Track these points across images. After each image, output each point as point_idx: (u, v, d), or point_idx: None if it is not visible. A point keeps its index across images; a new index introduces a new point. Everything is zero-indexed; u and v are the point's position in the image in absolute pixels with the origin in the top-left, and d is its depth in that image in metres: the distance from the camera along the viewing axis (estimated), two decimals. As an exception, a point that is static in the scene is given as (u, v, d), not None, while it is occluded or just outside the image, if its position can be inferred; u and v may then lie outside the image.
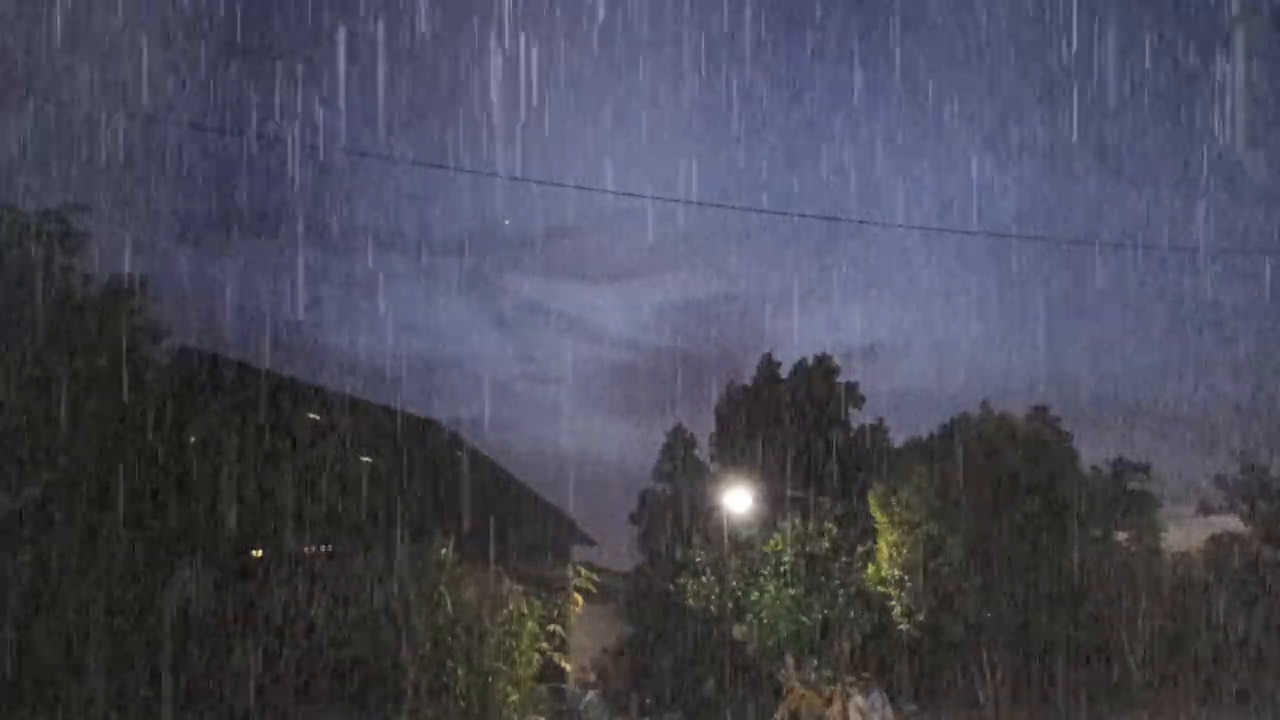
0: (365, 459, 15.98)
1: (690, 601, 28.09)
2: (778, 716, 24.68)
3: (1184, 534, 26.65)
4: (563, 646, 19.77)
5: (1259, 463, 26.02)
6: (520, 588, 18.21)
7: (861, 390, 33.16)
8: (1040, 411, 27.12)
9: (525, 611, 17.32)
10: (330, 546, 14.80)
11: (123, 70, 15.31)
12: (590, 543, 28.80)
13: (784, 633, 26.25)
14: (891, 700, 24.34)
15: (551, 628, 18.54)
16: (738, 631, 26.87)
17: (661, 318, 47.80)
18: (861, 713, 23.58)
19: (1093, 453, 26.55)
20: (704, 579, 28.07)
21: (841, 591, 26.08)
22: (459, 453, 23.06)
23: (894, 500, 24.60)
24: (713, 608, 27.69)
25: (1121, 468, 26.82)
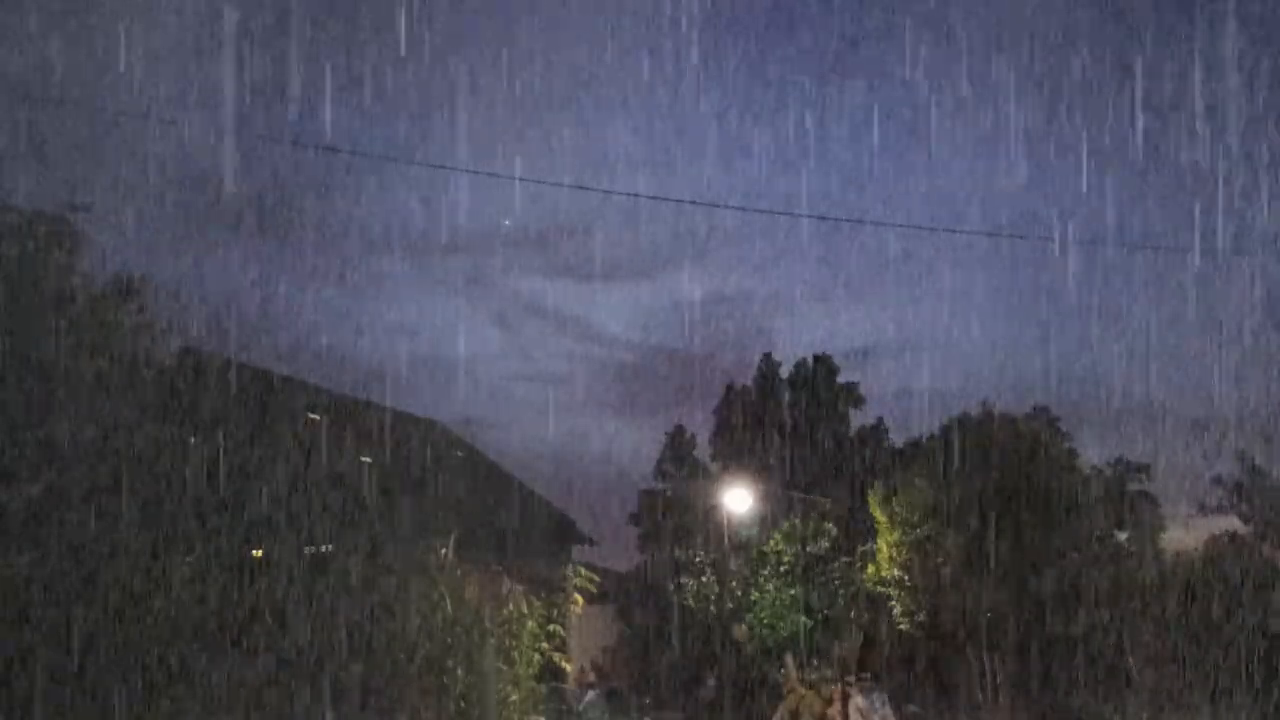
0: (364, 459, 15.97)
1: (690, 601, 28.11)
2: (778, 716, 24.68)
3: (1184, 534, 26.66)
4: (563, 646, 19.78)
5: (1258, 463, 26.05)
6: (520, 588, 18.20)
7: (861, 390, 33.26)
8: (1040, 411, 27.15)
9: (525, 611, 17.32)
10: (330, 546, 14.79)
11: (121, 66, 15.30)
12: (590, 543, 28.81)
13: (784, 633, 26.27)
14: (891, 700, 24.35)
15: (551, 628, 18.54)
16: (738, 631, 26.89)
17: (661, 318, 47.76)
18: (861, 713, 23.58)
19: (1093, 453, 26.58)
20: (704, 579, 28.10)
21: (841, 591, 26.10)
22: (458, 453, 23.07)
23: (894, 500, 24.61)
24: (713, 608, 27.72)
25: (1121, 468, 26.83)
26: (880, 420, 32.93)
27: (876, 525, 25.12)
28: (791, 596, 26.45)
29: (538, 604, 17.85)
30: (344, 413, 16.75)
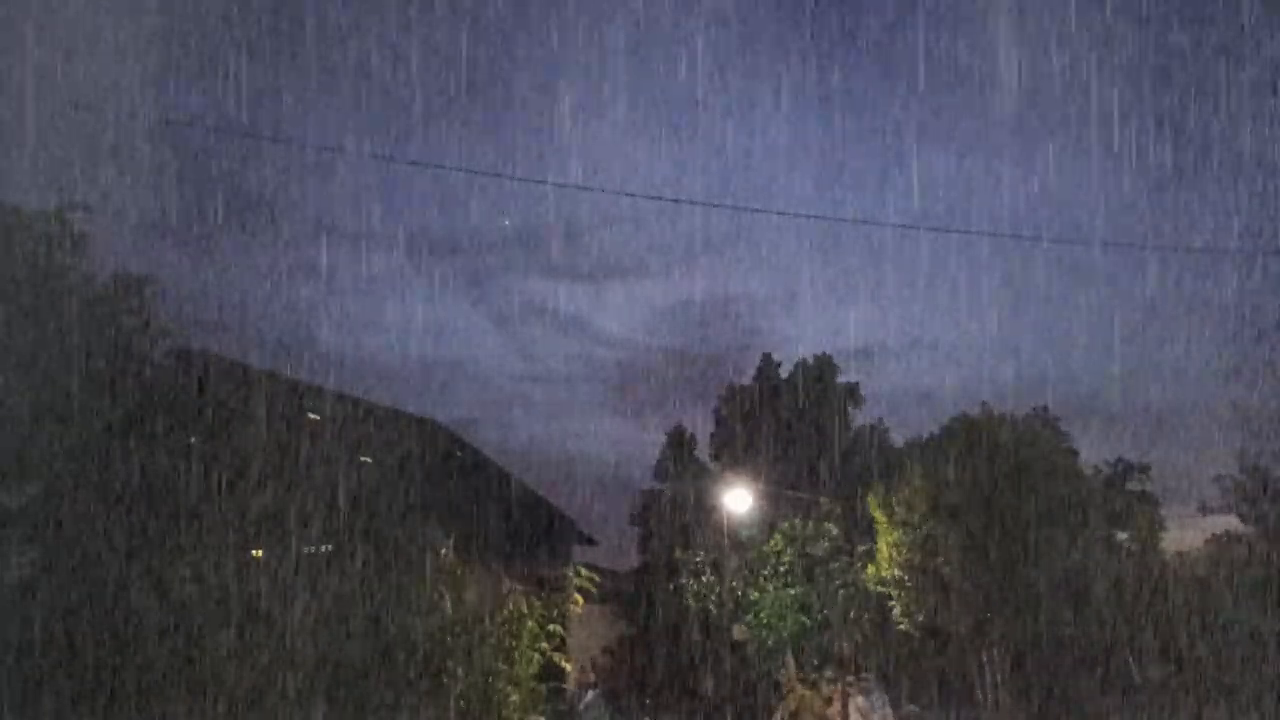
0: (364, 459, 15.96)
1: (690, 601, 28.09)
2: (777, 717, 24.69)
3: (1184, 534, 26.67)
4: (563, 646, 19.75)
5: (1259, 463, 26.03)
6: (520, 588, 18.17)
7: (861, 390, 33.23)
8: (1040, 411, 27.13)
9: (525, 611, 17.29)
10: (329, 547, 14.78)
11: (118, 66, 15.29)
12: (590, 543, 28.81)
13: (784, 633, 26.25)
14: (891, 700, 24.35)
15: (551, 628, 18.51)
16: (738, 631, 26.88)
17: (661, 318, 47.84)
18: (861, 713, 23.62)
19: (1093, 453, 26.60)
20: (704, 579, 28.08)
21: (841, 591, 26.07)
22: (459, 453, 23.04)
23: (894, 500, 24.58)
24: (713, 608, 27.70)
25: (1121, 468, 26.83)
26: (880, 420, 32.95)
27: (876, 525, 25.10)
28: (791, 596, 26.42)
29: (538, 604, 17.83)
30: (344, 413, 16.73)
